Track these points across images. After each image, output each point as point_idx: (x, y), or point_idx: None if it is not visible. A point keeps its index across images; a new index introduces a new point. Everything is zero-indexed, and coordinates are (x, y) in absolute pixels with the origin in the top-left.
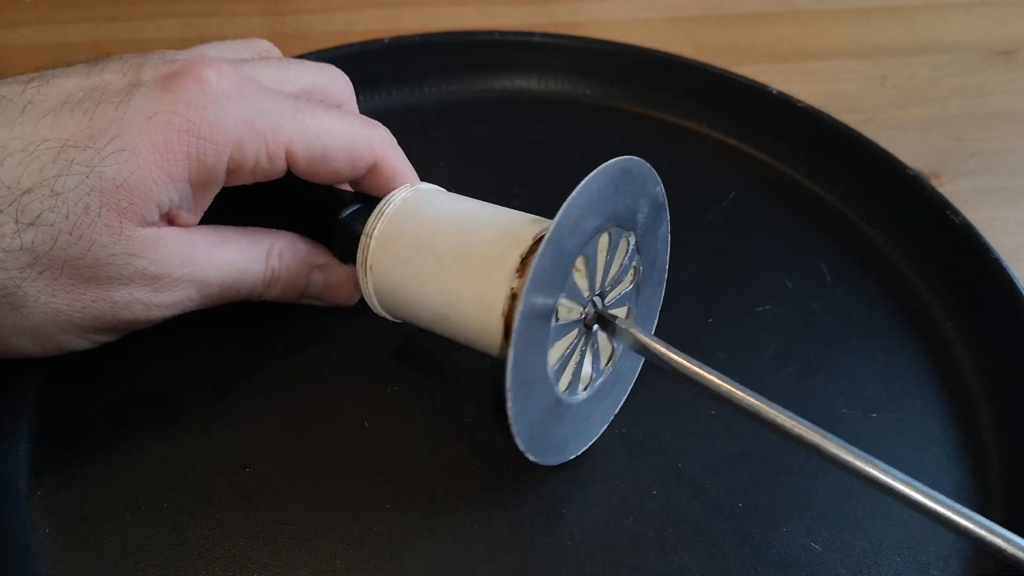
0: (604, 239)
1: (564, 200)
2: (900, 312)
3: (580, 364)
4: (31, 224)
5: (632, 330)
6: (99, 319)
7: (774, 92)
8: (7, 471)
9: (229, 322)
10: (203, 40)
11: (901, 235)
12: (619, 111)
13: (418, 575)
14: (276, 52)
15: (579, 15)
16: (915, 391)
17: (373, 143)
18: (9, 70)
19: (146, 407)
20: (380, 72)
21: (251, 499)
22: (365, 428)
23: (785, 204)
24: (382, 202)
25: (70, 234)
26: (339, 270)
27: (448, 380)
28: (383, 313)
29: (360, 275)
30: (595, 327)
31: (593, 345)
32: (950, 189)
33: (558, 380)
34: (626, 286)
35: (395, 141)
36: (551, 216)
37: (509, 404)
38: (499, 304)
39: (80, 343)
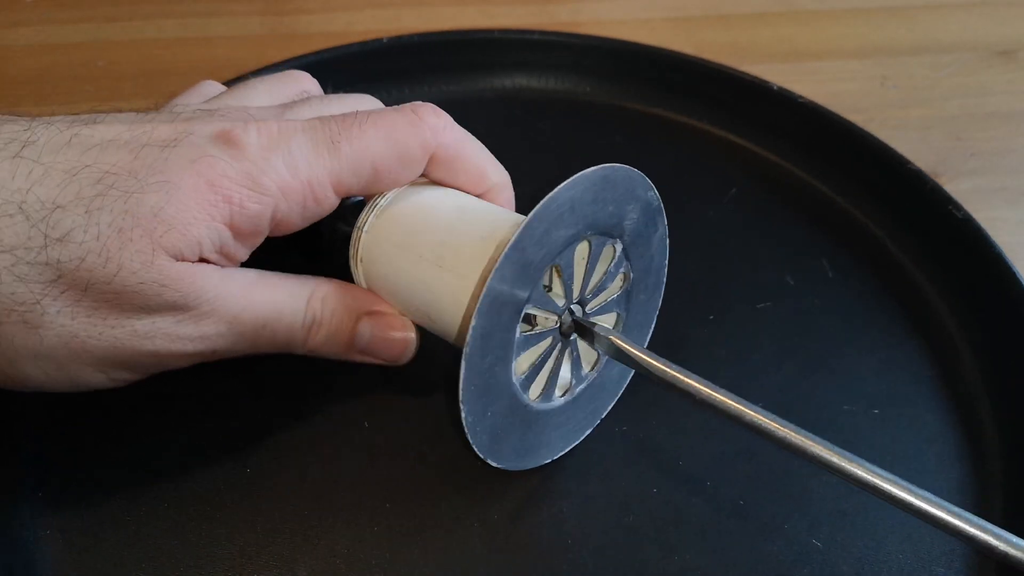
0: (583, 247)
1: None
2: (901, 308)
3: (556, 372)
4: (60, 240)
5: (610, 336)
6: (118, 349)
7: (775, 88)
8: (9, 472)
9: None
10: (204, 40)
11: (902, 231)
12: (619, 109)
13: (418, 574)
14: (317, 88)
15: (579, 15)
16: (916, 388)
17: (422, 138)
18: (9, 70)
19: (147, 408)
20: (380, 72)
21: (251, 499)
22: (364, 427)
23: (786, 201)
24: (376, 195)
25: (99, 255)
26: (391, 320)
27: (448, 379)
28: None
29: (352, 267)
30: (574, 334)
31: (572, 352)
32: (950, 189)
33: (527, 388)
34: (612, 293)
35: (446, 124)
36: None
37: (463, 415)
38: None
39: (96, 377)
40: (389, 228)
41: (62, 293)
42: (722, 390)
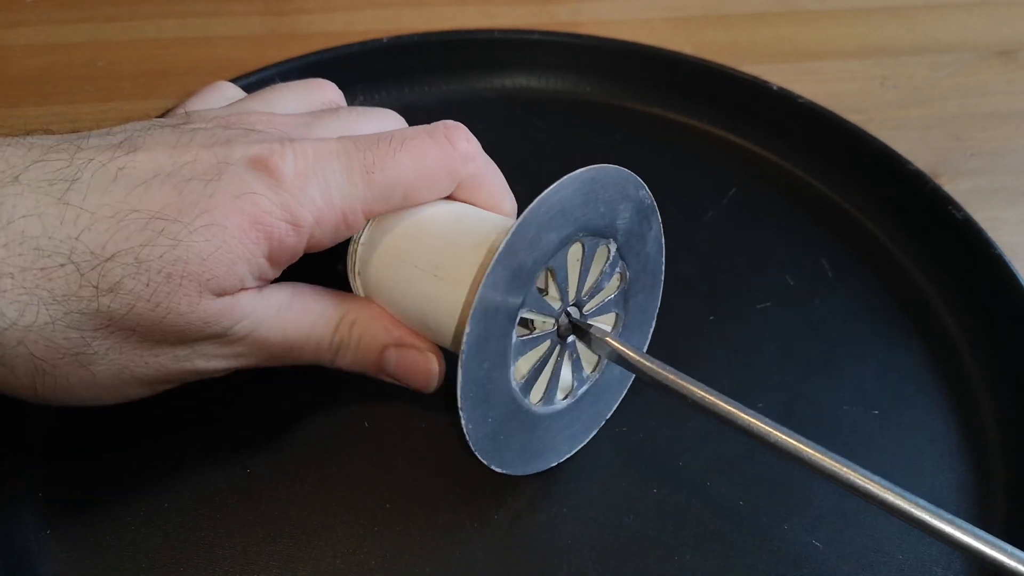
0: (576, 249)
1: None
2: (902, 309)
3: (556, 375)
4: (110, 290)
5: (606, 339)
6: (162, 372)
7: (775, 88)
8: (10, 473)
9: None
10: (204, 40)
11: (903, 231)
12: (619, 108)
13: (418, 575)
14: (341, 99)
15: (579, 15)
16: (917, 388)
17: (453, 168)
18: (9, 70)
19: (147, 408)
20: (380, 72)
21: (251, 499)
22: (365, 428)
23: (786, 201)
24: None
25: (148, 300)
26: (416, 355)
27: (448, 380)
28: None
29: (351, 279)
30: (571, 336)
31: (572, 354)
32: (950, 189)
33: (528, 392)
34: (609, 293)
35: (476, 152)
36: None
37: (464, 421)
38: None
39: (143, 392)
40: (385, 240)
41: (111, 334)
42: (716, 392)
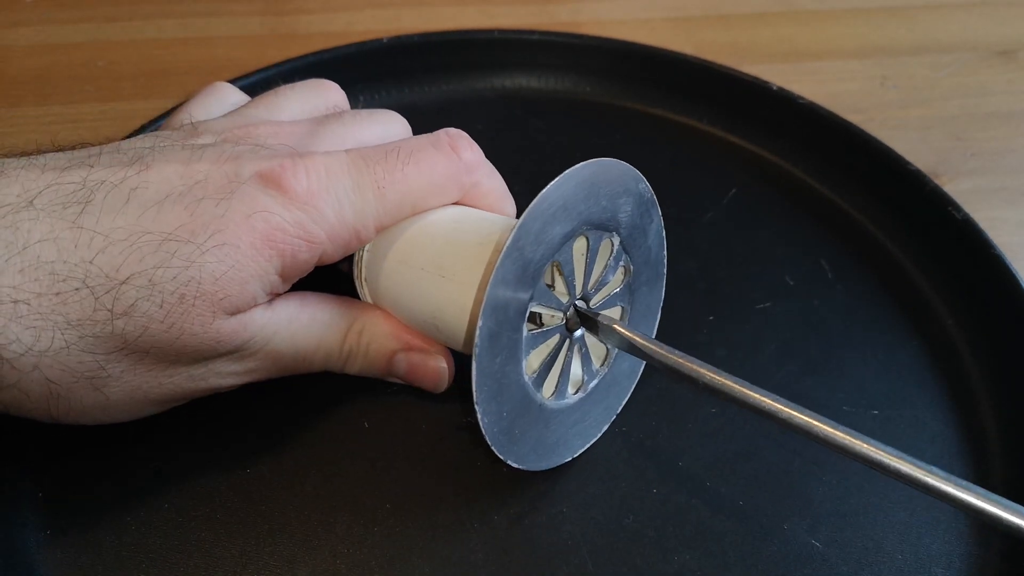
0: (581, 243)
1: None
2: (901, 309)
3: (567, 369)
4: (124, 314)
5: (615, 326)
6: (175, 391)
7: (774, 88)
8: (9, 473)
9: None
10: (204, 40)
11: (902, 232)
12: (619, 108)
13: (418, 575)
14: (344, 100)
15: (579, 15)
16: (917, 388)
17: (459, 179)
18: (9, 70)
19: None
20: (380, 72)
21: (252, 500)
22: (365, 428)
23: (786, 201)
24: None
25: (162, 322)
26: (425, 357)
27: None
28: None
29: (358, 286)
30: (580, 330)
31: (581, 348)
32: (950, 189)
33: (540, 387)
34: (614, 287)
35: (479, 159)
36: None
37: (480, 416)
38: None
39: (154, 411)
40: (389, 245)
41: (125, 357)
42: (726, 374)
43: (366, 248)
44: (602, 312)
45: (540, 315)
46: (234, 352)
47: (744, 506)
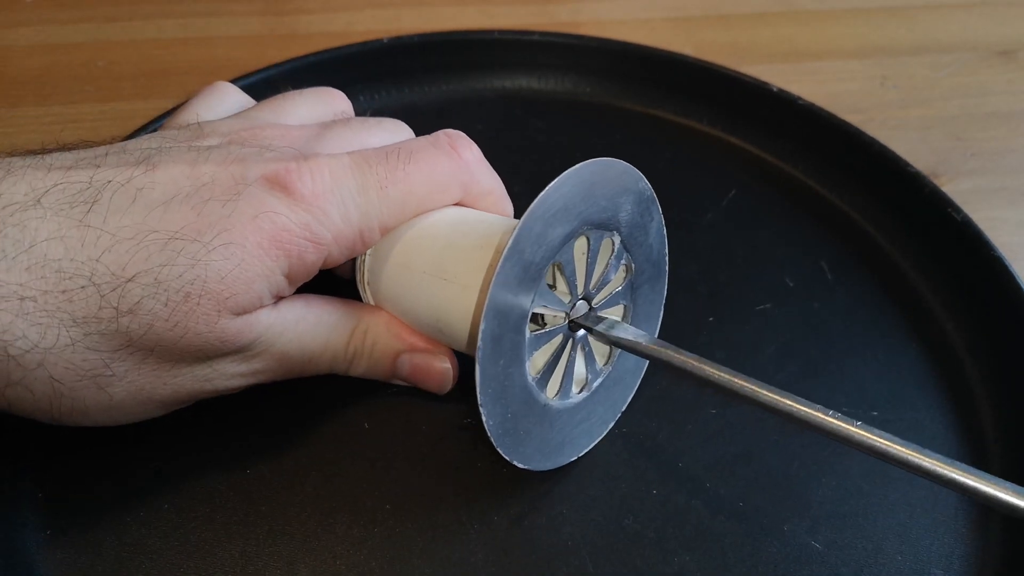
0: (582, 243)
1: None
2: (901, 311)
3: (570, 368)
4: (129, 311)
5: (613, 323)
6: (180, 392)
7: (775, 90)
8: (9, 473)
9: None
10: (204, 40)
11: (902, 233)
12: (619, 109)
13: (418, 575)
14: (349, 108)
15: (579, 15)
16: (916, 390)
17: (460, 177)
18: (9, 70)
19: None
20: (380, 72)
21: (252, 500)
22: (365, 428)
23: (786, 202)
24: None
25: (166, 320)
26: (429, 358)
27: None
28: None
29: (360, 291)
30: (583, 330)
31: (584, 347)
32: (950, 189)
33: (544, 387)
34: (616, 285)
35: (479, 157)
36: None
37: (484, 418)
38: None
39: (158, 412)
40: (391, 249)
41: (130, 355)
42: (727, 368)
43: (368, 253)
44: (604, 312)
45: (542, 316)
46: (239, 353)
47: (744, 507)
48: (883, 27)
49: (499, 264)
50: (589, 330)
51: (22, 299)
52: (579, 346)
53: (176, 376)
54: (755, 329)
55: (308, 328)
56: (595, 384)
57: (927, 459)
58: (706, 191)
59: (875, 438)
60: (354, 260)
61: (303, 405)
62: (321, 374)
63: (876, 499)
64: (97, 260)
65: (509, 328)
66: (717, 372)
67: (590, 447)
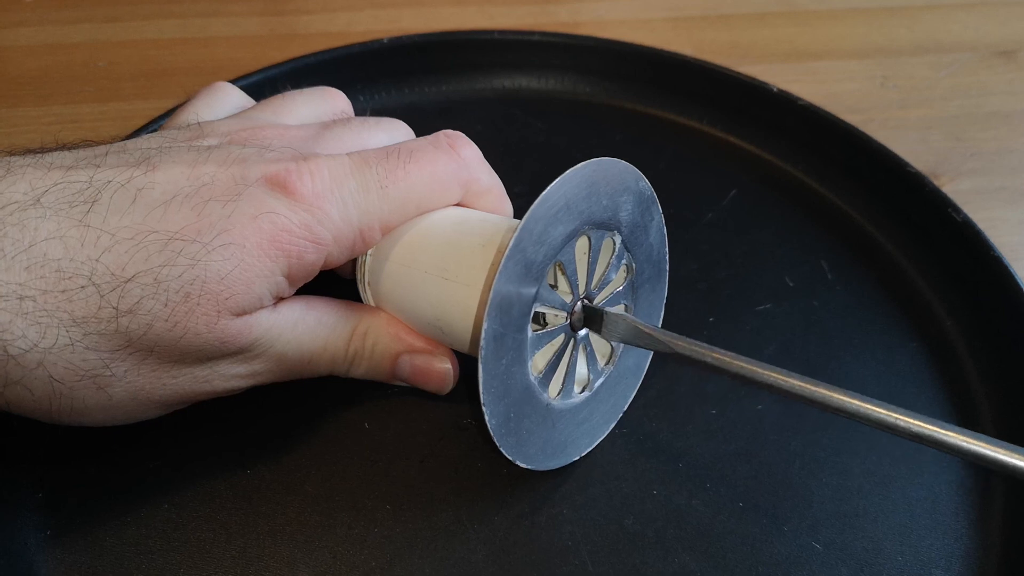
0: (583, 242)
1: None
2: (901, 310)
3: (572, 368)
4: (129, 311)
5: (620, 315)
6: (179, 393)
7: (775, 90)
8: (9, 473)
9: None
10: (204, 40)
11: (902, 233)
12: (619, 109)
13: (418, 575)
14: (349, 109)
15: (579, 15)
16: (916, 389)
17: (460, 176)
18: (9, 70)
19: None
20: (380, 72)
21: (252, 500)
22: (365, 428)
23: (786, 202)
24: None
25: (166, 320)
26: (430, 359)
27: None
28: None
29: (361, 291)
30: (584, 329)
31: (586, 347)
32: (950, 189)
33: (546, 387)
34: (617, 285)
35: (478, 156)
36: None
37: (487, 417)
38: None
39: (157, 413)
40: (391, 249)
41: (129, 356)
42: (733, 354)
43: (369, 253)
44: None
45: (544, 315)
46: (239, 354)
47: (744, 507)
48: (883, 27)
49: (502, 263)
50: (591, 328)
51: (21, 298)
52: (581, 346)
53: (176, 377)
54: (755, 329)
55: (308, 329)
56: (597, 384)
57: (930, 425)
58: (706, 191)
59: (895, 414)
60: (355, 260)
61: (303, 405)
62: (321, 375)
63: (876, 499)
64: (97, 260)
65: (511, 327)
66: (726, 358)
67: (592, 447)
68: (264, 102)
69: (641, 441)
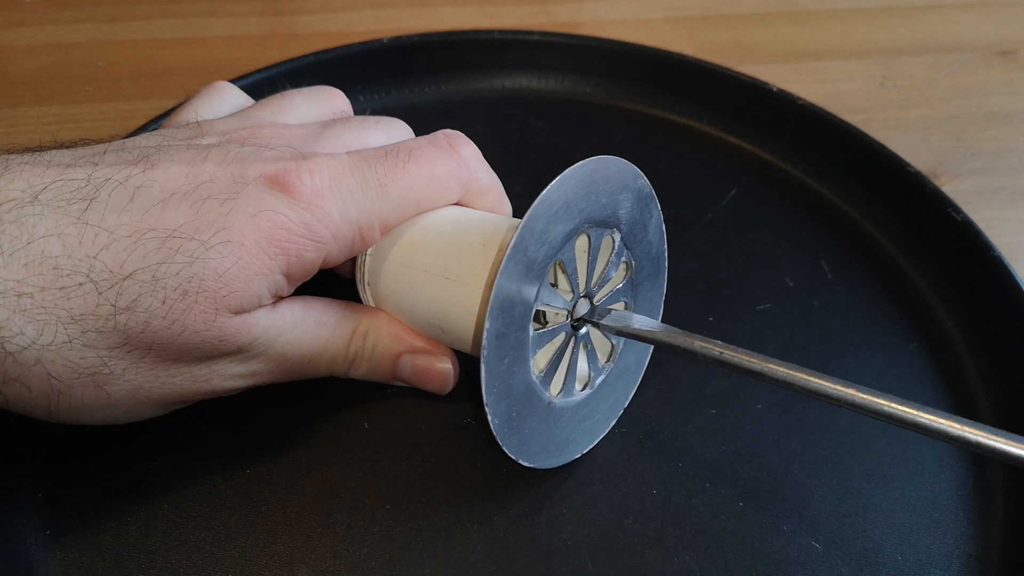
0: (583, 241)
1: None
2: (901, 310)
3: (573, 366)
4: (127, 308)
5: (620, 313)
6: (178, 392)
7: (774, 90)
8: (9, 473)
9: None
10: (204, 40)
11: (902, 233)
12: (619, 109)
13: (418, 575)
14: (348, 108)
15: (579, 15)
16: (916, 389)
17: (459, 175)
18: (9, 70)
19: None
20: (380, 72)
21: (252, 500)
22: (365, 428)
23: (786, 202)
24: None
25: (164, 318)
26: (430, 359)
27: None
28: None
29: (360, 290)
30: (585, 327)
31: (587, 345)
32: (950, 189)
33: (547, 385)
34: (617, 283)
35: (477, 155)
36: None
37: (490, 417)
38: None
39: (155, 413)
40: (391, 248)
41: (127, 353)
42: (734, 347)
43: (368, 252)
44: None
45: (545, 314)
46: (237, 353)
47: (744, 507)
48: (883, 27)
49: (503, 263)
50: (596, 324)
51: (19, 295)
52: (581, 343)
53: (174, 376)
54: (755, 328)
55: (307, 329)
56: (598, 381)
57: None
58: (706, 191)
59: (897, 405)
60: (354, 260)
61: (303, 405)
62: (321, 376)
63: (877, 499)
64: (95, 257)
65: (513, 327)
66: (727, 351)
67: (594, 444)
68: (263, 101)
69: (641, 441)
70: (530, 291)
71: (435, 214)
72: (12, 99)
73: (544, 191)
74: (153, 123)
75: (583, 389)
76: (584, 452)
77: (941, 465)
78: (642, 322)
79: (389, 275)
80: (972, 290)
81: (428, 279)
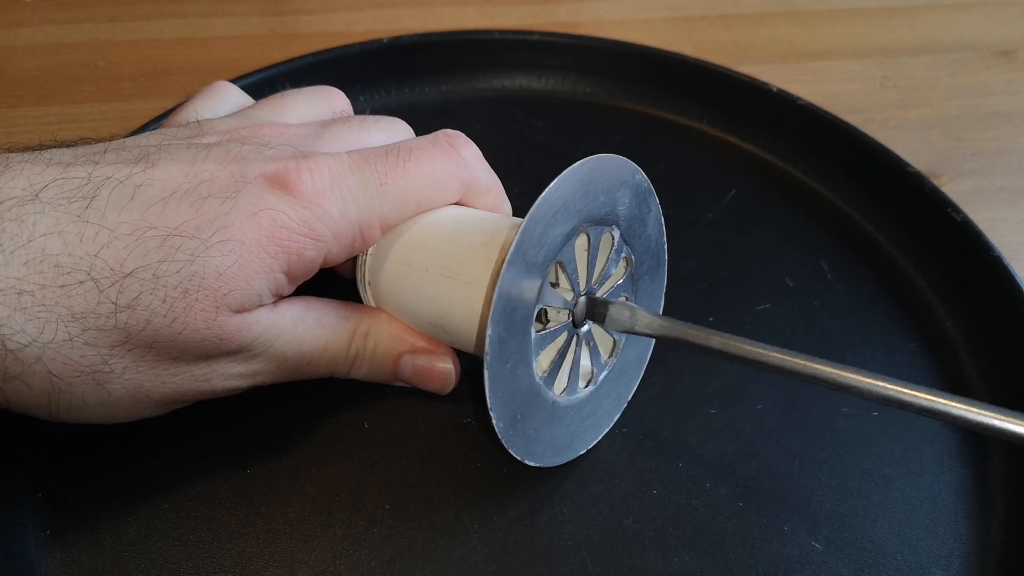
0: (582, 239)
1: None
2: (901, 310)
3: (576, 364)
4: (128, 306)
5: (622, 307)
6: (178, 391)
7: (774, 90)
8: (9, 473)
9: None
10: (204, 40)
11: (902, 233)
12: (619, 109)
13: (418, 575)
14: (348, 107)
15: (579, 15)
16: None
17: (459, 174)
18: (9, 70)
19: None
20: (380, 72)
21: (252, 500)
22: (365, 428)
23: (786, 202)
24: None
25: (164, 316)
26: (431, 359)
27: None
28: None
29: (361, 290)
30: (587, 325)
31: (589, 342)
32: (950, 189)
33: (551, 385)
34: (618, 279)
35: (478, 155)
36: None
37: (494, 421)
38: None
39: (155, 412)
40: (392, 248)
41: (128, 352)
42: (738, 337)
43: (368, 252)
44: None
45: (546, 313)
46: (238, 352)
47: (744, 507)
48: (883, 27)
49: (503, 267)
50: (594, 322)
51: (20, 293)
52: (584, 341)
53: (175, 375)
54: (755, 328)
55: (308, 329)
56: (601, 377)
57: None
58: (706, 191)
59: (900, 388)
60: (355, 260)
61: (303, 405)
62: (321, 377)
63: (877, 499)
64: (95, 255)
65: (515, 330)
66: (730, 340)
67: (598, 439)
68: (263, 101)
69: (641, 440)
70: (531, 294)
71: (435, 213)
72: (12, 99)
73: (543, 194)
74: (153, 123)
75: (586, 386)
76: (589, 448)
77: (941, 465)
78: (642, 314)
79: (390, 274)
80: (972, 290)
81: (429, 278)
